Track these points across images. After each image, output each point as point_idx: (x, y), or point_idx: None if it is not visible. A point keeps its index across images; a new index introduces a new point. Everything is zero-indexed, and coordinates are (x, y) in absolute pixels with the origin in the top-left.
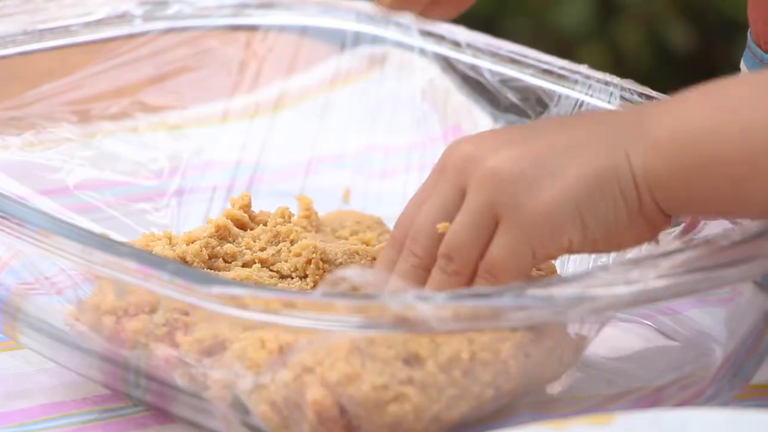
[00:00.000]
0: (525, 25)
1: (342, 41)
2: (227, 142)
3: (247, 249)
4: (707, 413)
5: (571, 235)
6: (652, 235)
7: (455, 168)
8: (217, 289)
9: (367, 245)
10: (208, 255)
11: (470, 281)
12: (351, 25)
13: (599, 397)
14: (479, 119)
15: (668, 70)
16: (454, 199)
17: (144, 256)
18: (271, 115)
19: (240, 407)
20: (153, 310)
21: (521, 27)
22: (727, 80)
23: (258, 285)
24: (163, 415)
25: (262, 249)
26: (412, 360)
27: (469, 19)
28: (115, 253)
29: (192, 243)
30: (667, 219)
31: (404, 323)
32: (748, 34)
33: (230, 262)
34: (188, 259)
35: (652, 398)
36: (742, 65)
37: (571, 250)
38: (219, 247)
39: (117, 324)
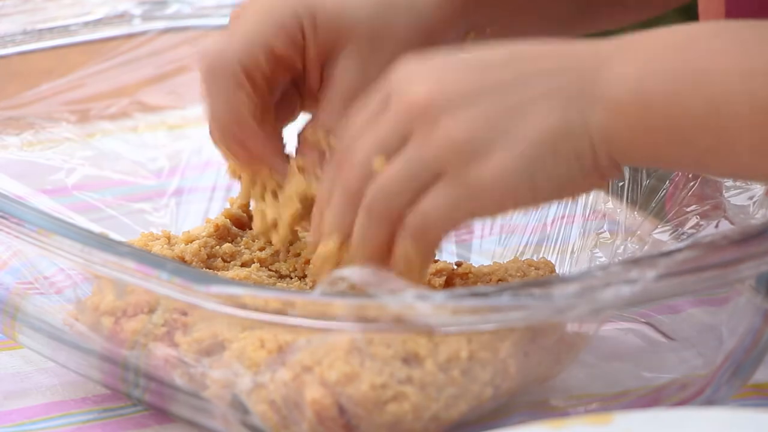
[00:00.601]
0: None
1: None
2: None
3: (245, 249)
4: (706, 413)
5: (519, 198)
6: (602, 184)
7: (404, 111)
8: (215, 289)
9: None
10: (207, 255)
11: (391, 235)
12: None
13: (598, 396)
14: None
15: None
16: (393, 140)
17: (143, 256)
18: None
19: (239, 407)
20: (152, 311)
21: None
22: (698, 30)
23: (257, 285)
24: (162, 414)
25: (261, 249)
26: (411, 359)
27: None
28: (114, 252)
29: (191, 243)
30: (620, 169)
31: (403, 322)
32: None
33: (229, 262)
34: (187, 258)
35: (650, 398)
36: None
37: (515, 211)
38: (218, 247)
39: (116, 324)
